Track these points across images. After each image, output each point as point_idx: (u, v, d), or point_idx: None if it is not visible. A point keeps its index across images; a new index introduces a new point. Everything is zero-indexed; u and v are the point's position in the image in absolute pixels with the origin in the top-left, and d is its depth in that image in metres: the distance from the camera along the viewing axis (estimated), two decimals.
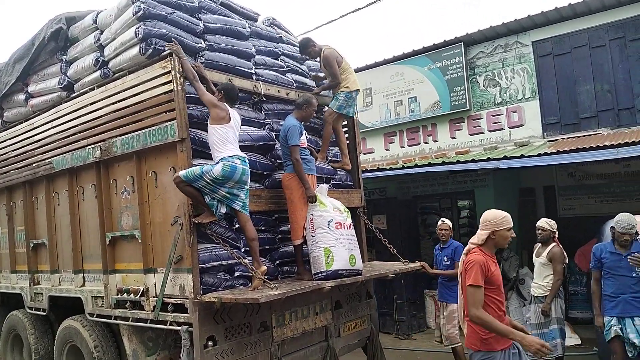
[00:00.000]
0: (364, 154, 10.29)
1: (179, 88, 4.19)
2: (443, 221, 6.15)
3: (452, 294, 5.98)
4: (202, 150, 4.37)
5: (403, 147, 10.05)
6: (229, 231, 4.47)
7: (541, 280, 5.43)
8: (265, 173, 4.88)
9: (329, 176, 5.58)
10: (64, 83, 5.43)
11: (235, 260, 4.28)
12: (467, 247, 3.50)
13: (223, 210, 4.20)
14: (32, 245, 6.00)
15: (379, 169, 8.25)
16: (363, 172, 7.35)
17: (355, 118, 5.95)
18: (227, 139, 4.17)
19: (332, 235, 4.53)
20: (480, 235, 3.44)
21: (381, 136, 10.30)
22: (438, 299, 6.08)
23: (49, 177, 5.73)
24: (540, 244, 5.56)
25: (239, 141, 4.53)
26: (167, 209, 4.38)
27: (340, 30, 32.06)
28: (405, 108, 9.91)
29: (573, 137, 8.09)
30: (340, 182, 5.78)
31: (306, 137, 5.11)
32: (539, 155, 6.73)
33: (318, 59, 5.65)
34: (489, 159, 7.05)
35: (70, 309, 5.49)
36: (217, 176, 4.06)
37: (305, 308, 4.87)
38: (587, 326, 7.23)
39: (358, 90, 5.61)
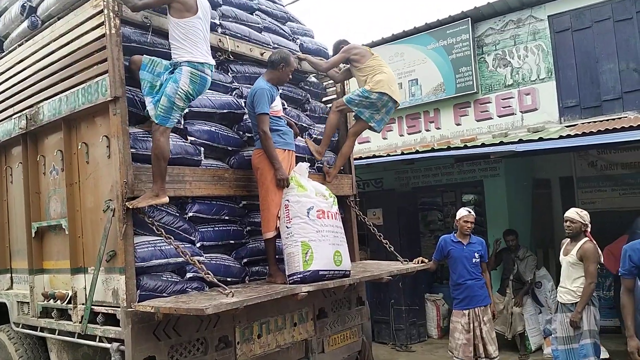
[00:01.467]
0: (359, 143, 9.30)
1: (113, 31, 3.21)
2: (469, 212, 5.16)
3: (486, 293, 5.06)
4: (143, 116, 3.39)
5: (402, 135, 9.09)
6: (179, 220, 3.50)
7: (570, 283, 4.44)
8: (230, 149, 3.90)
9: (313, 157, 4.61)
10: None
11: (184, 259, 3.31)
12: None
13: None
14: None
15: (374, 157, 7.29)
16: (356, 159, 6.41)
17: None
18: (196, 36, 3.29)
19: (312, 226, 3.55)
20: None
21: None
22: (462, 305, 4.99)
23: None
24: (568, 240, 4.57)
25: (199, 106, 3.60)
26: (100, 191, 3.41)
27: (335, 7, 30.60)
28: (405, 91, 8.94)
29: (594, 122, 7.13)
30: (329, 166, 4.81)
31: (283, 104, 4.16)
32: (562, 137, 5.77)
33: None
34: (501, 143, 6.09)
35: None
36: (187, 91, 3.24)
37: (280, 318, 3.91)
38: (613, 336, 6.28)
39: (384, 94, 4.47)
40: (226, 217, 3.82)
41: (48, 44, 3.75)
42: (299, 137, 4.42)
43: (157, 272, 3.35)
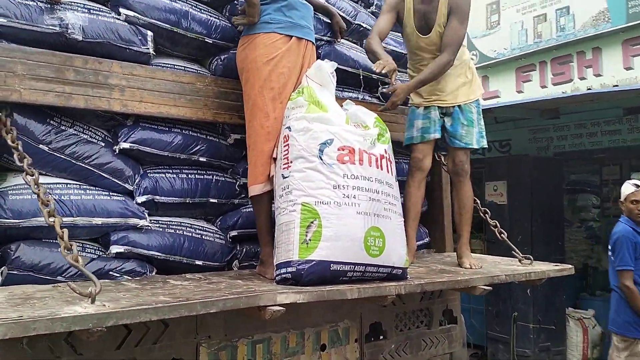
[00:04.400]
0: (485, 99, 7.21)
1: None
2: (638, 186, 3.62)
3: None
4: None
5: (545, 86, 6.76)
6: (104, 153, 2.05)
7: None
8: (210, 42, 2.30)
9: (374, 75, 2.85)
10: None
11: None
12: None
13: None
14: None
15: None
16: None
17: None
18: None
19: (326, 176, 1.84)
20: None
21: (512, 72, 7.14)
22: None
23: None
24: None
25: None
26: None
27: None
28: (551, 26, 6.63)
29: None
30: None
31: None
32: None
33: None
34: None
35: None
36: None
37: (294, 335, 2.30)
38: None
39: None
40: (202, 159, 2.27)
41: None
42: (343, 41, 2.72)
43: (51, 240, 1.93)
